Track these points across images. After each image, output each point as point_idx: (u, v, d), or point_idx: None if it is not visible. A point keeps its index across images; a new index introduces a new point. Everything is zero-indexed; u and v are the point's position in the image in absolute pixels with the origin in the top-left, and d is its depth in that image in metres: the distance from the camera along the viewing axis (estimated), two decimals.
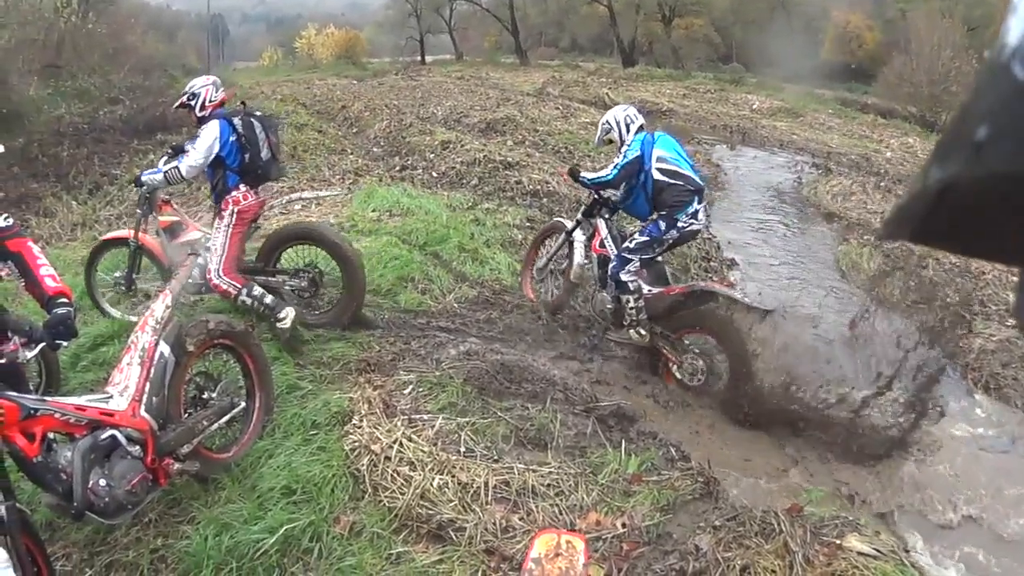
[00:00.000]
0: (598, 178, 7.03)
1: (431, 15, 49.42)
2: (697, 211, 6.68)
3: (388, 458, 5.05)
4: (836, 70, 38.15)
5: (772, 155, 18.19)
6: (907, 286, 9.19)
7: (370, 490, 4.87)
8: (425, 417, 5.57)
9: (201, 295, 6.95)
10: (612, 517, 4.76)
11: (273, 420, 5.44)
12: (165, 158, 6.99)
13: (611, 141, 7.13)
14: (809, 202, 13.90)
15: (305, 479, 4.84)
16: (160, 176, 6.54)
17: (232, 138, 6.52)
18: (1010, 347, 7.80)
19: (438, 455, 5.11)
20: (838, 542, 4.40)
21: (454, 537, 4.54)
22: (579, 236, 7.48)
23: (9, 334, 4.11)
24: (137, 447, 4.18)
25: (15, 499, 3.51)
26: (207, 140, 6.42)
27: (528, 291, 8.26)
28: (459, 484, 4.88)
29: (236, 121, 6.56)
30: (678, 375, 6.90)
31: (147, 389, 4.36)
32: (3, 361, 3.75)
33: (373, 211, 10.58)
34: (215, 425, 4.88)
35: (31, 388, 4.82)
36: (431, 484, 4.85)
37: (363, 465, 5.00)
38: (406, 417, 5.52)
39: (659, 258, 7.13)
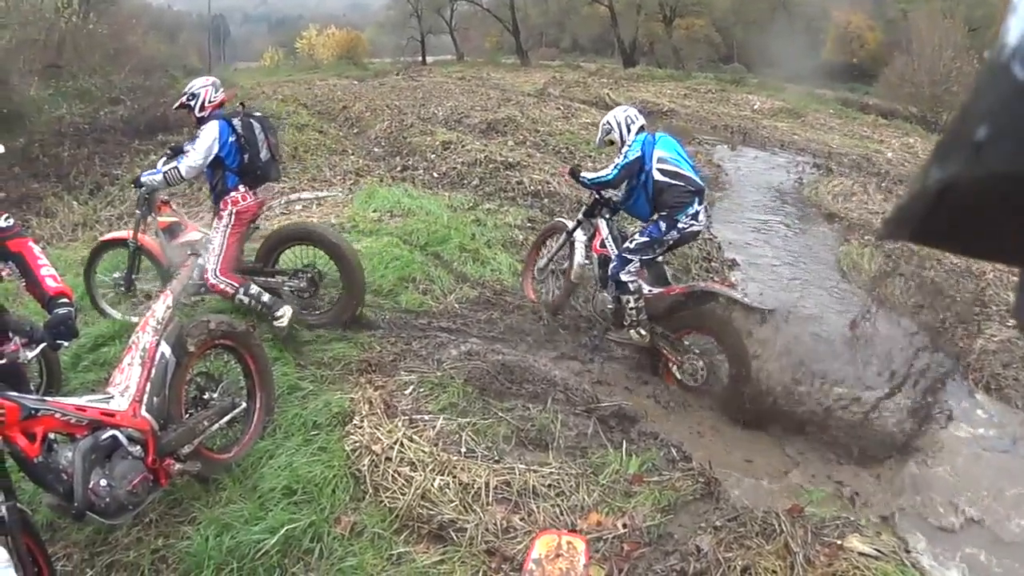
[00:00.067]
0: (598, 178, 7.03)
1: (432, 15, 49.44)
2: (698, 212, 6.68)
3: (389, 458, 5.05)
4: (837, 70, 38.12)
5: (773, 155, 18.19)
6: (908, 287, 9.19)
7: (371, 490, 4.87)
8: (426, 417, 5.57)
9: (202, 296, 6.96)
10: (613, 518, 4.76)
11: (274, 420, 5.44)
12: (164, 159, 6.99)
13: (612, 142, 7.13)
14: (810, 202, 13.90)
15: (306, 479, 4.84)
16: (160, 177, 6.55)
17: (231, 139, 6.54)
18: (1011, 347, 7.79)
19: (439, 455, 5.11)
20: (839, 543, 4.40)
21: (455, 538, 4.54)
22: (580, 236, 7.48)
23: (10, 334, 4.11)
24: (138, 447, 4.18)
25: (16, 499, 3.51)
26: (206, 141, 6.44)
27: (529, 291, 8.26)
28: (460, 485, 4.88)
29: (235, 122, 6.58)
30: (678, 375, 6.90)
31: (148, 389, 4.36)
32: (4, 361, 3.76)
33: (374, 211, 10.58)
34: (216, 425, 4.88)
35: (32, 388, 4.82)
36: (432, 484, 4.85)
37: (364, 465, 5.01)
38: (407, 417, 5.53)
39: (659, 259, 7.13)
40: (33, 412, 3.56)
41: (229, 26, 62.93)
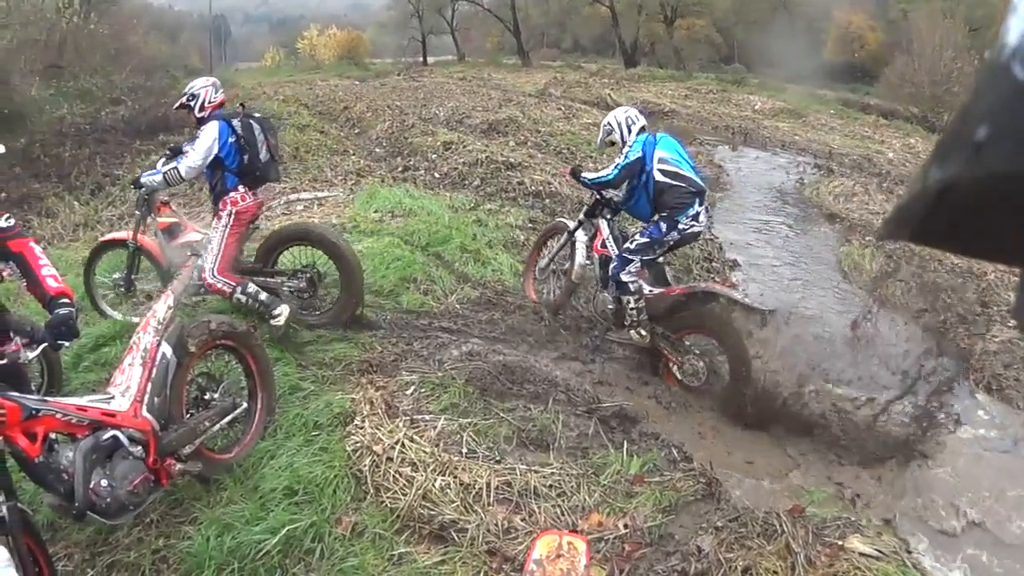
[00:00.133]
0: (599, 178, 7.04)
1: (433, 16, 49.43)
2: (698, 213, 6.68)
3: (390, 459, 5.05)
4: (838, 71, 38.13)
5: (774, 156, 18.20)
6: (909, 287, 9.19)
7: (372, 491, 4.87)
8: (427, 418, 5.58)
9: (203, 296, 6.96)
10: (614, 518, 4.76)
11: (275, 421, 5.44)
12: (164, 159, 7.00)
13: (613, 142, 7.14)
14: (811, 203, 13.90)
15: (307, 480, 4.84)
16: (159, 177, 6.57)
17: (231, 139, 6.56)
18: (1012, 348, 7.79)
19: (440, 456, 5.11)
20: (840, 543, 4.40)
21: (456, 538, 4.55)
22: (581, 236, 7.48)
23: (11, 334, 4.11)
24: (139, 448, 4.18)
25: (17, 499, 3.51)
26: (206, 141, 6.46)
27: (530, 292, 8.26)
28: (461, 485, 4.88)
29: (235, 122, 6.60)
30: (679, 376, 6.90)
31: (149, 390, 4.36)
32: (5, 361, 3.75)
33: (375, 212, 10.58)
34: (217, 426, 4.87)
35: (33, 388, 4.82)
36: (433, 485, 4.85)
37: (365, 466, 5.01)
38: (408, 418, 5.53)
39: (660, 259, 7.13)
40: (34, 412, 3.56)
41: (230, 26, 63.00)
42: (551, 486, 4.97)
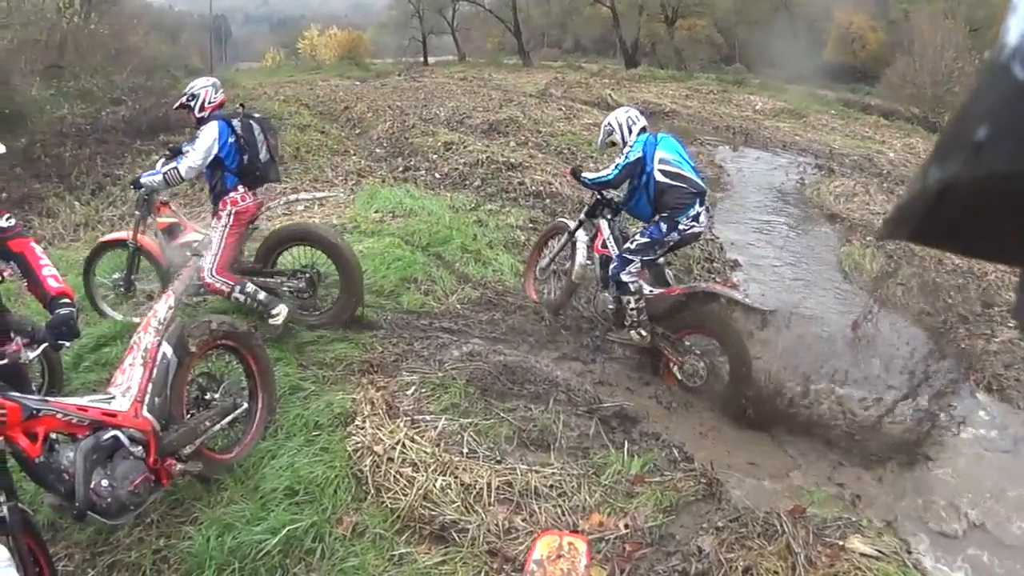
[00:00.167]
0: (599, 178, 7.04)
1: (434, 16, 49.45)
2: (699, 214, 6.69)
3: (391, 459, 5.05)
4: (839, 71, 38.15)
5: (775, 156, 18.19)
6: (910, 288, 9.19)
7: (373, 491, 4.87)
8: (428, 418, 5.58)
9: (203, 296, 6.97)
10: (615, 518, 4.76)
11: (276, 421, 5.44)
12: (163, 160, 7.01)
13: (614, 143, 7.15)
14: (812, 203, 13.90)
15: (308, 480, 4.84)
16: (159, 178, 6.58)
17: (231, 139, 6.57)
18: (1013, 348, 7.79)
19: (441, 456, 5.11)
20: (841, 543, 4.40)
21: (457, 538, 4.55)
22: (582, 236, 7.48)
23: (12, 334, 4.12)
24: (139, 448, 4.19)
25: (17, 499, 3.51)
26: (206, 141, 6.47)
27: (531, 292, 8.26)
28: (462, 485, 4.88)
29: (235, 123, 6.62)
30: (679, 376, 6.90)
31: (150, 390, 4.36)
32: (5, 361, 3.76)
33: (376, 212, 10.58)
34: (218, 426, 4.88)
35: (33, 388, 4.82)
36: (434, 485, 4.85)
37: (366, 466, 5.01)
38: (409, 418, 5.53)
39: (660, 260, 7.13)
40: (35, 412, 3.57)
41: (231, 26, 63.02)
42: (552, 486, 4.97)
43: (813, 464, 5.96)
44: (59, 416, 3.73)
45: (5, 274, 4.43)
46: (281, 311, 6.63)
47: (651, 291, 6.91)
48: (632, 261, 6.74)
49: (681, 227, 6.61)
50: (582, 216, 7.55)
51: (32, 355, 3.87)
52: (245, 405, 5.18)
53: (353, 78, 33.83)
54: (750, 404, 6.30)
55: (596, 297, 7.60)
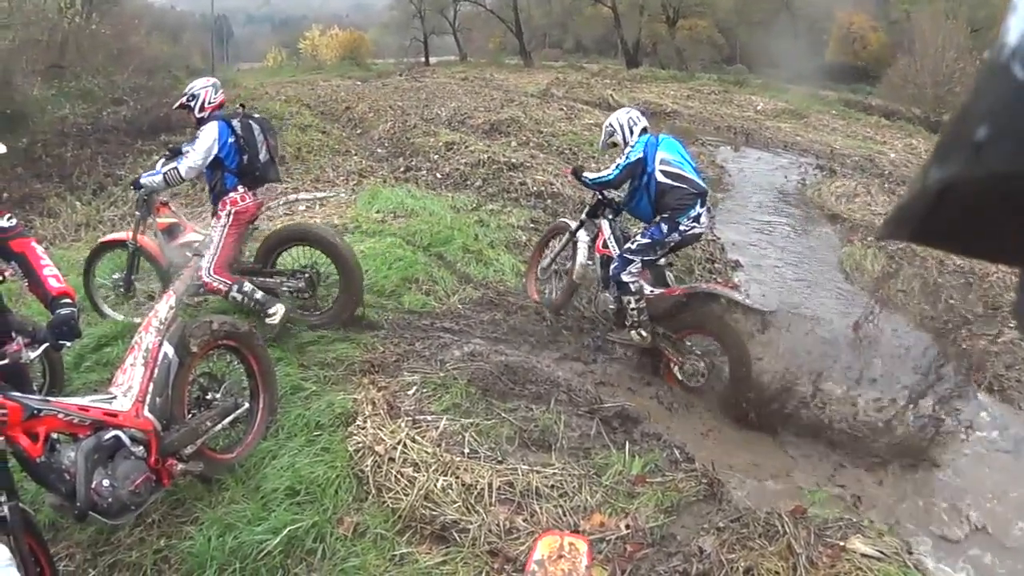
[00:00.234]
0: (599, 178, 7.05)
1: (435, 16, 49.51)
2: (700, 215, 6.68)
3: (392, 459, 5.05)
4: (840, 71, 38.14)
5: (776, 156, 18.19)
6: (912, 288, 9.19)
7: (374, 491, 4.87)
8: (429, 418, 5.58)
9: (205, 296, 6.98)
10: (616, 519, 4.76)
11: (277, 421, 5.45)
12: (163, 160, 7.01)
13: (615, 144, 7.15)
14: (813, 203, 13.89)
15: (309, 480, 4.85)
16: (159, 178, 6.59)
17: (231, 140, 6.59)
18: (1014, 349, 7.79)
19: (442, 456, 5.11)
20: (842, 544, 4.39)
21: (458, 538, 4.55)
22: (583, 236, 7.48)
23: (13, 334, 4.12)
24: (141, 447, 4.19)
25: (18, 499, 3.51)
26: (206, 141, 6.48)
27: (532, 292, 8.26)
28: (463, 485, 4.88)
29: (235, 123, 6.63)
30: (679, 376, 6.89)
31: (151, 390, 4.36)
32: (7, 361, 3.76)
33: (377, 212, 10.58)
34: (219, 426, 4.88)
35: (35, 388, 4.84)
36: (435, 485, 4.85)
37: (367, 466, 5.01)
38: (410, 418, 5.53)
39: (661, 260, 7.12)
40: (36, 412, 3.57)
41: (232, 27, 63.01)
42: (553, 486, 4.97)
43: (814, 465, 5.95)
44: (60, 416, 3.73)
45: (6, 274, 4.43)
46: (278, 311, 6.65)
47: (652, 291, 6.91)
48: (633, 261, 6.73)
49: (682, 228, 6.61)
50: (583, 216, 7.55)
51: (33, 355, 3.87)
52: (246, 405, 5.18)
53: (354, 78, 33.89)
54: (750, 405, 6.29)
55: (597, 297, 7.59)
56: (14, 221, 4.23)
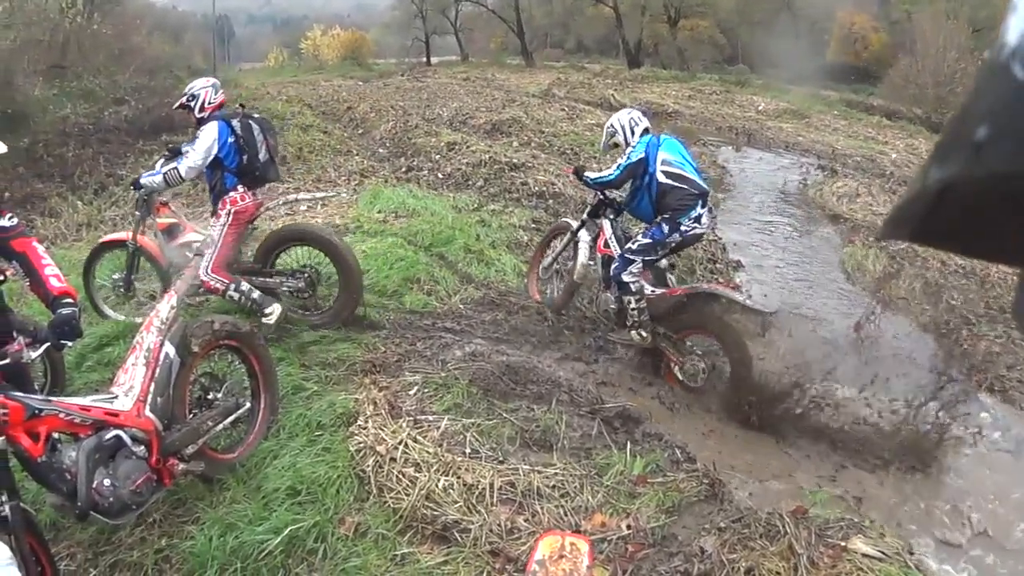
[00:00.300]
0: (601, 178, 7.05)
1: (437, 16, 49.54)
2: (701, 215, 6.68)
3: (393, 459, 5.05)
4: (841, 71, 38.13)
5: (778, 156, 18.19)
6: (913, 288, 9.19)
7: (375, 491, 4.87)
8: (430, 418, 5.58)
9: (205, 296, 6.99)
10: (617, 519, 4.76)
11: (278, 421, 5.45)
12: (163, 160, 7.02)
13: (617, 145, 7.15)
14: (815, 204, 13.89)
15: (310, 480, 4.85)
16: (159, 178, 6.60)
17: (230, 139, 6.60)
18: (1015, 349, 7.79)
19: (443, 456, 5.11)
20: (843, 544, 4.39)
21: (459, 538, 4.55)
22: (584, 236, 7.47)
23: (14, 334, 4.12)
24: (142, 447, 4.19)
25: (19, 499, 3.52)
26: (206, 141, 6.50)
27: (533, 292, 8.26)
28: (464, 485, 4.88)
29: (235, 123, 6.65)
30: (680, 376, 6.89)
31: (152, 389, 4.37)
32: (8, 361, 3.76)
33: (379, 212, 10.59)
34: (220, 426, 4.88)
35: (36, 388, 4.84)
36: (436, 485, 4.85)
37: (368, 466, 5.01)
38: (411, 418, 5.53)
39: (663, 261, 7.12)
40: (37, 412, 3.57)
41: (234, 27, 63.15)
42: (554, 487, 4.97)
43: (816, 466, 5.95)
44: (62, 416, 3.74)
45: (7, 273, 4.43)
46: (275, 310, 6.67)
47: (653, 291, 6.91)
48: (634, 261, 6.73)
49: (683, 228, 6.61)
50: (585, 216, 7.55)
51: (34, 355, 3.87)
52: (247, 405, 5.18)
53: (356, 78, 33.94)
54: (751, 405, 6.29)
55: (598, 297, 7.59)
56: (15, 220, 4.24)
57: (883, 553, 4.35)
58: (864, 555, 4.32)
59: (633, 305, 6.77)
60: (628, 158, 6.75)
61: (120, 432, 4.07)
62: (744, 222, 12.61)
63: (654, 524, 4.72)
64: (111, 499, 3.89)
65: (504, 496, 4.86)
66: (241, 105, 7.20)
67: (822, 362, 6.45)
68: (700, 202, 6.66)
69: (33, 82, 18.38)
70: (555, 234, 8.31)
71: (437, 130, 16.71)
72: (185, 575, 4.33)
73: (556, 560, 3.71)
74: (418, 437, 5.29)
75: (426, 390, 5.98)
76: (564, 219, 8.57)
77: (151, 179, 6.66)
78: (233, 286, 6.62)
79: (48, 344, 3.91)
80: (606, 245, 7.20)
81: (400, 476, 4.93)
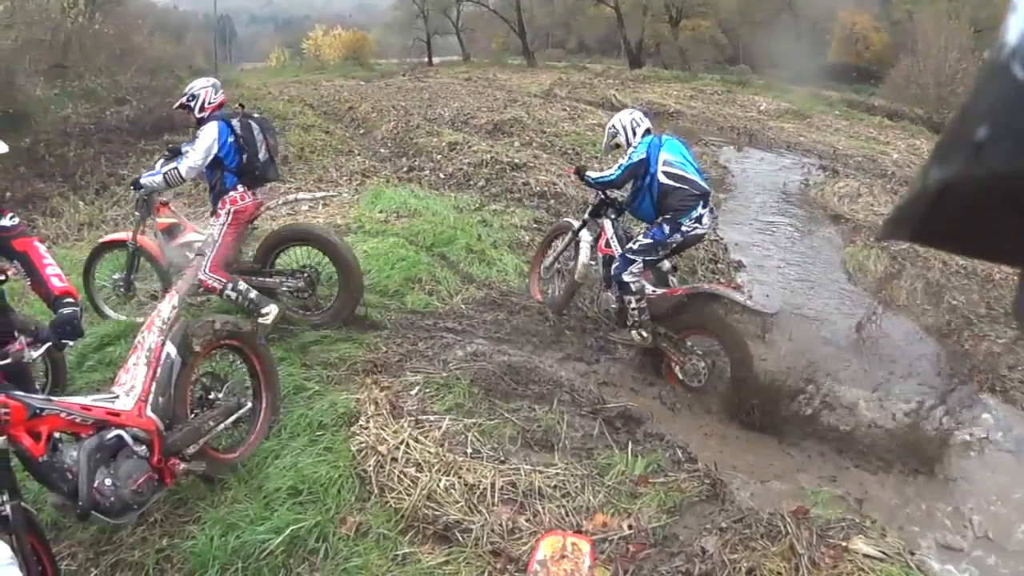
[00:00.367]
0: (602, 177, 7.05)
1: (438, 16, 49.56)
2: (702, 216, 6.68)
3: (395, 459, 5.05)
4: (843, 71, 38.12)
5: (779, 157, 18.19)
6: (914, 288, 9.19)
7: (376, 491, 4.87)
8: (432, 418, 5.57)
9: (207, 296, 6.99)
10: (618, 519, 4.76)
11: (279, 421, 5.45)
12: (162, 160, 7.03)
13: (618, 145, 7.15)
14: (816, 204, 13.89)
15: (311, 480, 4.85)
16: (159, 178, 6.61)
17: (230, 139, 6.62)
18: (1016, 350, 7.78)
19: (445, 456, 5.11)
20: (844, 544, 4.39)
21: (460, 538, 4.54)
22: (585, 236, 7.48)
23: (15, 333, 4.12)
24: (143, 447, 4.19)
25: (21, 498, 3.52)
26: (206, 141, 6.52)
27: (535, 291, 8.26)
28: (466, 485, 4.88)
29: (234, 122, 6.67)
30: (680, 376, 6.88)
31: (153, 389, 4.37)
32: (9, 361, 3.76)
33: (380, 212, 10.59)
34: (221, 425, 4.88)
35: (37, 388, 4.84)
36: (438, 485, 4.85)
37: (370, 466, 5.01)
38: (413, 418, 5.53)
39: (664, 261, 7.12)
40: (38, 411, 3.57)
41: (235, 27, 63.20)
42: (555, 487, 4.96)
43: (817, 466, 5.94)
44: (63, 415, 3.74)
45: (9, 273, 4.43)
46: (271, 311, 6.68)
47: (653, 291, 6.91)
48: (634, 261, 6.74)
49: (684, 229, 6.61)
50: (586, 216, 7.55)
51: (36, 354, 3.87)
52: (249, 405, 5.18)
53: (357, 78, 33.94)
54: (752, 405, 6.29)
55: (599, 297, 7.59)
56: (17, 220, 4.24)
57: (884, 553, 4.35)
58: (865, 555, 4.32)
59: (633, 305, 6.77)
60: (629, 158, 6.75)
61: (121, 432, 4.07)
62: (746, 222, 12.61)
63: (655, 524, 4.71)
64: (112, 499, 3.89)
65: (505, 496, 4.86)
66: (241, 105, 7.21)
67: (823, 363, 6.45)
68: (701, 203, 6.66)
69: (34, 82, 18.38)
70: (556, 234, 8.31)
71: (439, 130, 16.72)
72: (186, 575, 4.33)
73: (557, 560, 3.71)
74: (419, 437, 5.29)
75: (427, 390, 5.98)
76: (565, 219, 8.57)
77: (151, 179, 6.67)
78: (230, 285, 6.63)
79: (49, 344, 3.91)
80: (607, 245, 7.21)
81: (401, 476, 4.93)
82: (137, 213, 7.17)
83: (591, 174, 7.23)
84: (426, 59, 48.52)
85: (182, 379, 4.63)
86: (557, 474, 5.06)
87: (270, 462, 5.08)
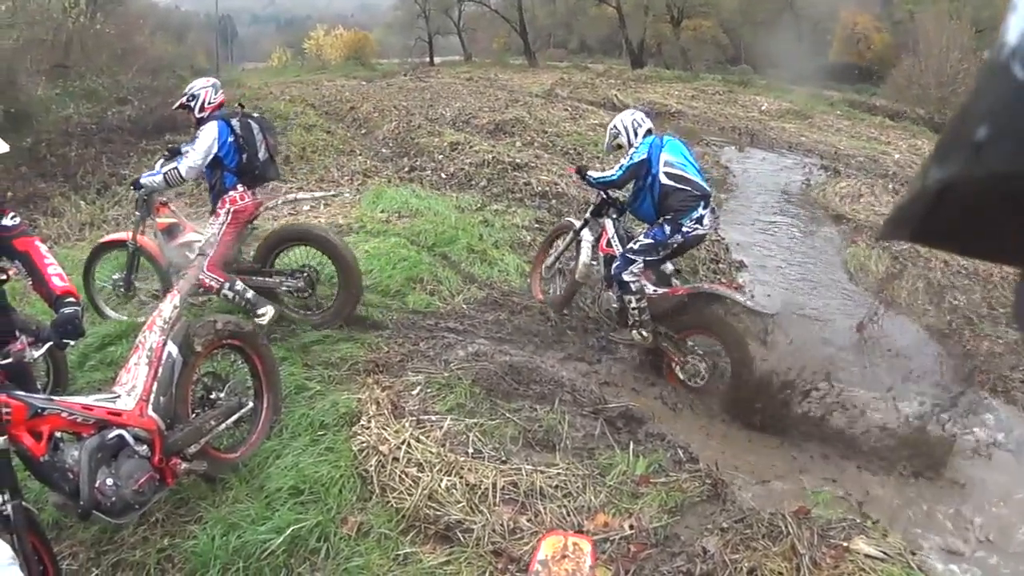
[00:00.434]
0: (603, 177, 7.06)
1: (440, 16, 49.47)
2: (703, 216, 6.68)
3: (396, 459, 5.05)
4: (844, 72, 38.09)
5: (781, 157, 18.16)
6: (916, 288, 9.18)
7: (378, 491, 4.87)
8: (433, 418, 5.57)
9: (208, 296, 6.99)
10: (620, 519, 4.76)
11: (281, 420, 5.45)
12: (162, 160, 7.04)
13: (620, 146, 7.16)
14: (818, 204, 13.87)
15: (313, 479, 4.85)
16: (159, 178, 6.63)
17: (230, 139, 6.64)
18: (1018, 350, 7.78)
19: (446, 456, 5.11)
20: (845, 544, 4.39)
21: (462, 538, 4.54)
22: (586, 235, 7.48)
23: (17, 333, 4.12)
24: (144, 447, 4.20)
25: (22, 498, 3.52)
26: (206, 141, 6.54)
27: (536, 291, 8.26)
28: (467, 485, 4.88)
29: (234, 122, 6.69)
30: (680, 376, 6.88)
31: (155, 389, 4.37)
32: (10, 360, 3.76)
33: (382, 212, 10.59)
34: (223, 425, 4.89)
35: (39, 387, 4.85)
36: (439, 485, 4.85)
37: (371, 466, 5.01)
38: (414, 418, 5.52)
39: (666, 262, 7.12)
40: (40, 411, 3.58)
41: (237, 26, 63.16)
42: (557, 487, 4.96)
43: (818, 466, 5.94)
44: (64, 415, 3.74)
45: (10, 273, 4.43)
46: (268, 311, 6.71)
47: (654, 291, 6.91)
48: (635, 261, 6.74)
49: (685, 229, 6.61)
50: (587, 216, 7.55)
51: (37, 354, 3.87)
52: (250, 404, 5.19)
53: (359, 78, 33.90)
54: (752, 405, 6.29)
55: (600, 296, 7.59)
56: (18, 220, 4.25)
57: (885, 554, 4.35)
58: (867, 556, 4.31)
59: (634, 304, 6.78)
60: (631, 159, 6.76)
61: (123, 431, 4.07)
62: (747, 222, 12.60)
63: (657, 524, 4.71)
64: (113, 498, 3.90)
65: (507, 496, 4.86)
66: (240, 104, 7.22)
67: (824, 363, 6.45)
68: (702, 203, 6.66)
69: (36, 82, 18.38)
70: (558, 234, 8.32)
71: (440, 130, 16.70)
72: (187, 574, 4.33)
73: (559, 560, 3.71)
74: (421, 437, 5.29)
75: (429, 390, 5.98)
76: (567, 219, 8.57)
77: (151, 179, 6.69)
78: (228, 285, 6.64)
79: (51, 343, 3.91)
80: (608, 245, 7.21)
81: (403, 476, 4.94)
82: (137, 213, 7.18)
83: (592, 174, 7.24)
84: (428, 59, 48.44)
85: (183, 379, 4.63)
86: (558, 474, 5.06)
87: (271, 462, 5.08)
